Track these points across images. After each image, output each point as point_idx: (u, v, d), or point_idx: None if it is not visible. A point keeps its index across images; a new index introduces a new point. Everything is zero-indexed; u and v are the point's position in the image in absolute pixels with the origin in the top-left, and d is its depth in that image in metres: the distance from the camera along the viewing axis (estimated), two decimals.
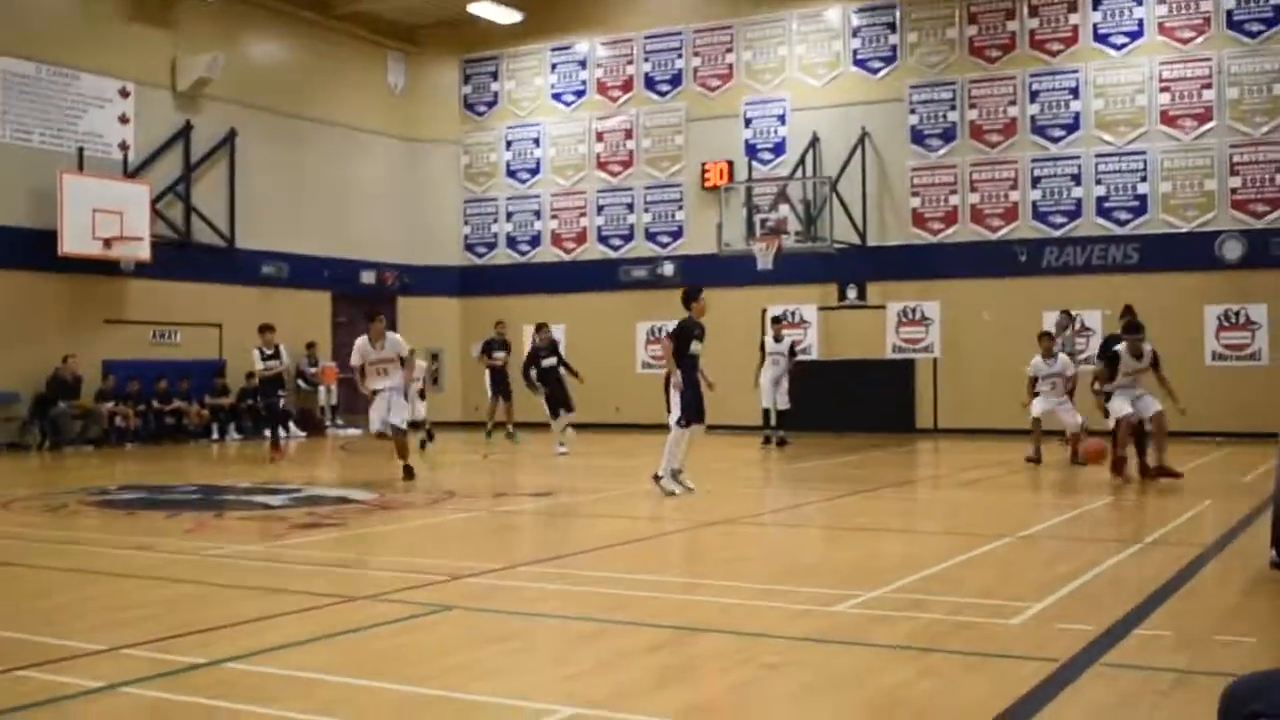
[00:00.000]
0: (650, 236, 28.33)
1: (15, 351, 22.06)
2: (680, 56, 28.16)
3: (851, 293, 26.05)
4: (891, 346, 25.69)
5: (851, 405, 25.23)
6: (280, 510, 12.77)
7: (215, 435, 24.56)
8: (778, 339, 22.06)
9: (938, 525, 12.43)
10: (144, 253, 23.47)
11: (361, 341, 16.07)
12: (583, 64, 29.29)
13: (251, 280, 26.33)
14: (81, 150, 23.33)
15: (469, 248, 30.65)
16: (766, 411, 21.85)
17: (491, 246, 30.34)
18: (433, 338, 29.85)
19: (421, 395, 21.34)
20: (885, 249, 25.74)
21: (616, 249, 28.68)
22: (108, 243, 22.86)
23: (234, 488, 15.09)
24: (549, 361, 20.76)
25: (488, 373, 23.00)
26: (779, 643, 6.56)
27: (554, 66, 29.65)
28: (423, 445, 21.08)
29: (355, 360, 16.11)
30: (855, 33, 26.34)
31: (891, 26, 25.99)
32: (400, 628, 7.02)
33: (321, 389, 27.02)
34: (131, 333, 24.14)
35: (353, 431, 26.03)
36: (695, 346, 13.96)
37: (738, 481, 16.46)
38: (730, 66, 27.64)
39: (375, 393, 15.89)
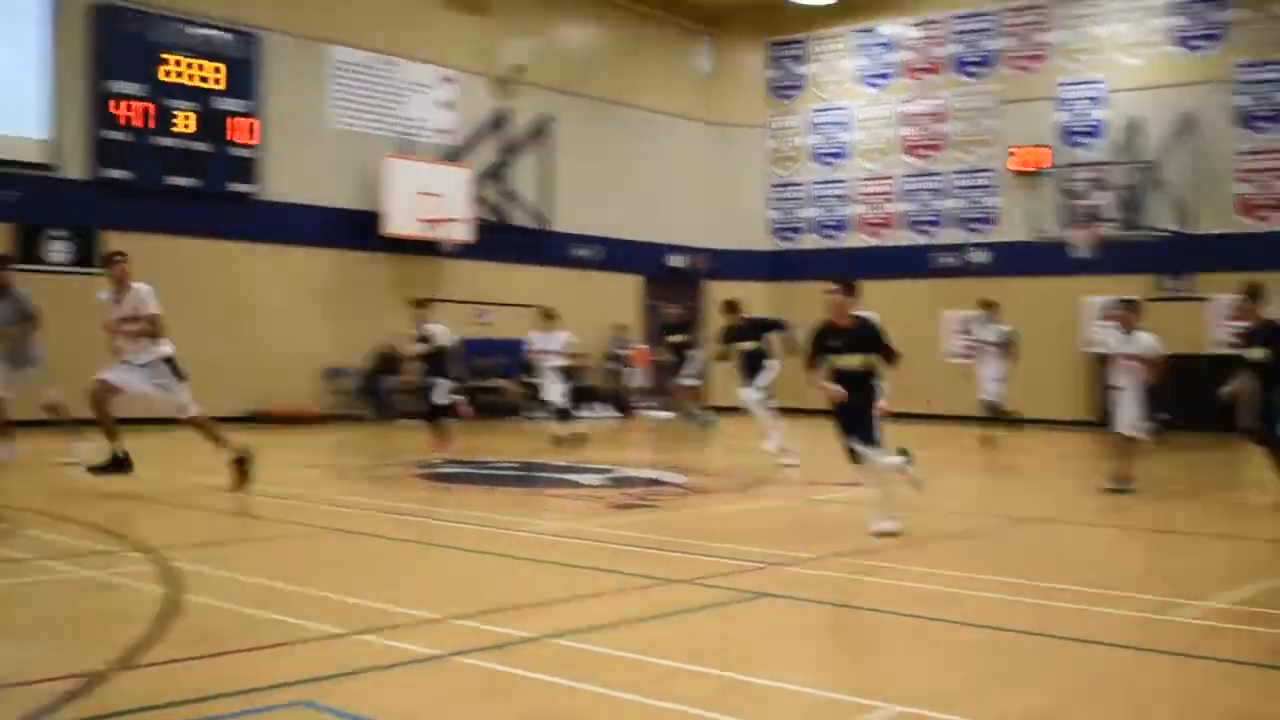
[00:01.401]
0: (960, 222, 27.73)
1: (344, 327, 23.27)
2: (991, 37, 27.44)
3: (1172, 283, 24.87)
4: (1215, 341, 24.39)
5: (1174, 403, 23.98)
6: (595, 490, 13.10)
7: (531, 413, 25.29)
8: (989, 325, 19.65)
9: (1273, 532, 11.75)
10: (464, 234, 24.40)
11: (102, 297, 12.36)
12: (889, 46, 28.87)
13: (565, 262, 27.04)
14: (405, 135, 24.42)
15: (776, 231, 30.67)
16: (988, 404, 19.42)
17: (798, 230, 30.28)
18: None
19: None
20: (1209, 238, 24.46)
21: (924, 234, 28.20)
22: (430, 224, 23.87)
23: (548, 465, 15.55)
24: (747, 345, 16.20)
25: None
26: (1108, 650, 6.34)
27: (860, 48, 29.33)
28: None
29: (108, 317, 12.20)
30: (1177, 9, 25.10)
31: (1217, 1, 24.64)
32: (718, 613, 7.11)
33: (630, 370, 27.50)
34: (450, 311, 25.00)
35: (663, 414, 26.37)
36: (837, 360, 10.29)
37: (1052, 477, 15.99)
38: (1043, 46, 26.76)
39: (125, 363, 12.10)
